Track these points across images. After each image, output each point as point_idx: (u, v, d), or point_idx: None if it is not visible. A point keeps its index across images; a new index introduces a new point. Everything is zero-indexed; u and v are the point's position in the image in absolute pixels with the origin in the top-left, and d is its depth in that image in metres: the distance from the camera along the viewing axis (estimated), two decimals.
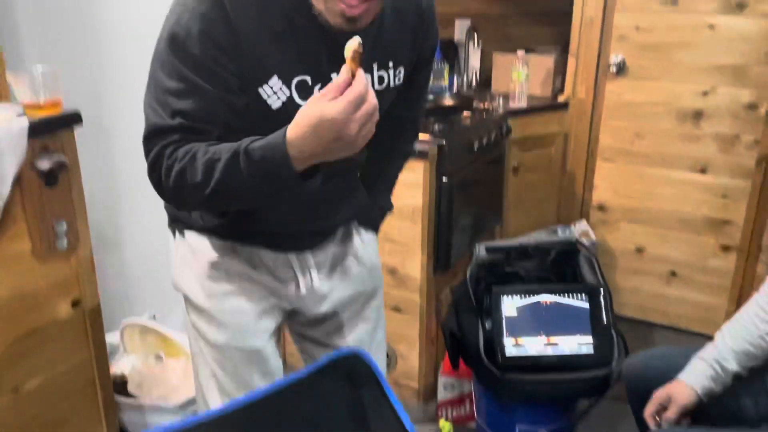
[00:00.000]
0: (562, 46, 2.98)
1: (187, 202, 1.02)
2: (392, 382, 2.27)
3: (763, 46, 2.42)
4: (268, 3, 0.95)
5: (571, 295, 1.94)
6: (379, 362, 1.44)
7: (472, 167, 2.36)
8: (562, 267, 2.10)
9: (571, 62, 2.78)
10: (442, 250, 2.26)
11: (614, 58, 2.67)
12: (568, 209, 2.93)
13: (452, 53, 3.00)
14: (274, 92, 0.98)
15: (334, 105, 0.82)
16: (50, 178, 1.29)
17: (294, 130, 0.86)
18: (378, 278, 1.41)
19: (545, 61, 2.81)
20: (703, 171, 2.62)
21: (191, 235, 1.19)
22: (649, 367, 1.61)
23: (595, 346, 1.91)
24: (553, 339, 1.92)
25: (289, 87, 0.98)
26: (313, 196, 0.99)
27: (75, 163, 1.36)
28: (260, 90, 0.97)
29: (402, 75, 1.13)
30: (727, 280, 2.66)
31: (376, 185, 1.36)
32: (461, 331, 1.97)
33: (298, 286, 1.23)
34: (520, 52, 2.68)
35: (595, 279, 2.02)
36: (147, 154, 0.96)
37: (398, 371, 2.34)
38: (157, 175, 0.96)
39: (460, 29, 3.07)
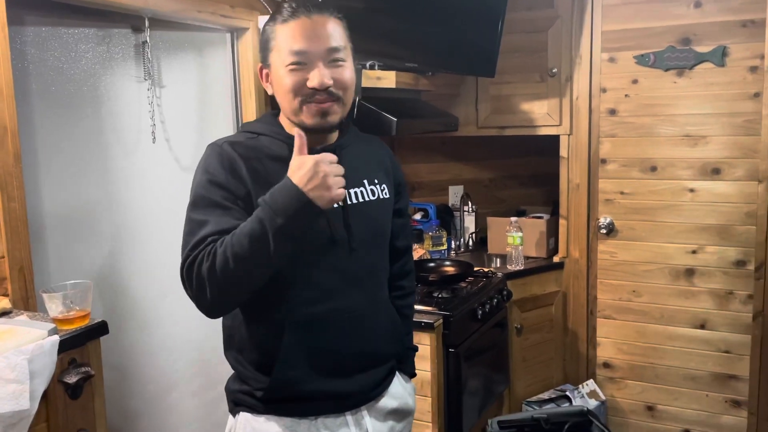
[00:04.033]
0: (552, 207, 3.14)
1: (215, 280, 1.15)
2: None
3: (742, 208, 2.57)
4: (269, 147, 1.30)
5: None
6: None
7: (477, 334, 2.40)
8: None
9: (562, 224, 2.92)
10: (453, 422, 2.23)
11: (603, 220, 2.82)
12: (574, 367, 2.94)
13: (448, 218, 3.16)
14: None
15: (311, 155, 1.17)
16: (76, 390, 1.32)
17: (288, 173, 1.16)
18: (411, 423, 1.54)
19: (538, 224, 2.95)
20: (702, 327, 2.68)
21: (252, 419, 1.30)
22: None
23: None
24: None
25: None
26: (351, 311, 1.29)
27: (99, 373, 1.39)
28: None
29: (387, 191, 1.41)
30: None
31: (403, 327, 1.51)
32: None
33: None
34: (513, 219, 2.82)
35: None
36: (186, 260, 1.19)
37: None
38: (192, 269, 1.16)
39: (454, 195, 3.25)
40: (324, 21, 1.26)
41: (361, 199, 1.34)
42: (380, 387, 1.40)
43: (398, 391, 1.46)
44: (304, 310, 1.27)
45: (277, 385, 1.27)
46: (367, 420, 1.37)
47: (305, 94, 1.24)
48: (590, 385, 2.80)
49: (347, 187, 1.25)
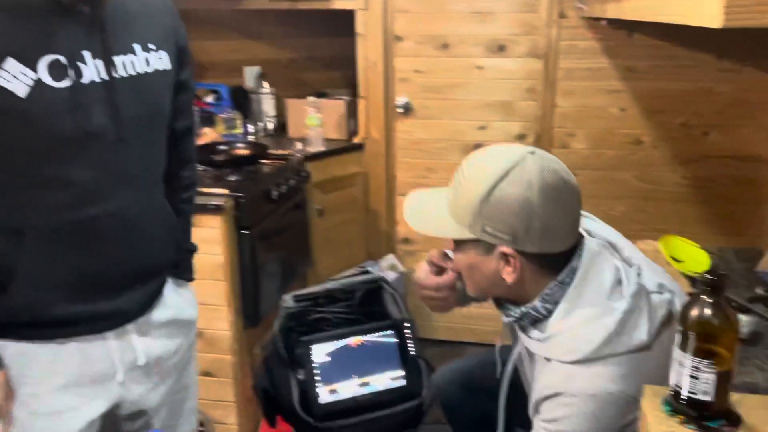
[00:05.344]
0: (352, 89, 3.09)
1: None
2: None
3: (523, 84, 2.71)
4: None
5: (377, 332, 1.98)
6: None
7: (273, 216, 2.34)
8: (369, 306, 2.14)
9: (361, 104, 2.90)
10: (249, 304, 2.20)
11: (400, 100, 2.83)
12: (376, 245, 3.02)
13: (243, 101, 2.98)
14: (14, 77, 0.93)
15: None
16: None
17: None
18: (194, 335, 1.36)
19: (337, 105, 2.89)
20: None
21: None
22: (450, 381, 1.74)
23: (407, 378, 1.96)
24: (366, 379, 1.93)
25: (34, 69, 0.94)
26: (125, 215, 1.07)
27: None
28: None
29: (167, 60, 1.15)
30: None
31: (180, 225, 1.29)
32: (275, 388, 1.92)
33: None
34: (311, 99, 2.73)
35: (400, 312, 2.09)
36: None
37: None
38: None
39: (249, 76, 3.06)
40: None
41: (131, 71, 1.06)
42: (151, 301, 1.20)
43: (173, 300, 1.26)
44: (55, 217, 1.02)
45: (15, 309, 1.04)
46: (135, 338, 1.17)
47: None
48: (390, 259, 2.90)
49: (112, 54, 1.01)
